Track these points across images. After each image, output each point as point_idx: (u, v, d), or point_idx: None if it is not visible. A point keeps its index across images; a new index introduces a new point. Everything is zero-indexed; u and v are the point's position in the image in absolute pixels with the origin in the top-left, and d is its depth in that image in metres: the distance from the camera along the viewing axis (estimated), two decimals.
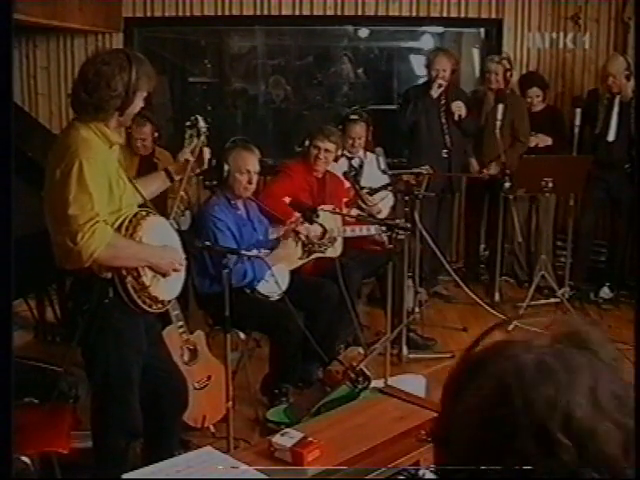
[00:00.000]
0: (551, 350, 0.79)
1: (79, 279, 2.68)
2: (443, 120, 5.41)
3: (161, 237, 2.78)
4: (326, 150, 4.42)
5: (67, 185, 2.49)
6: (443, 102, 5.41)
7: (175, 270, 2.78)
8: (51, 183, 2.57)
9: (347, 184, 4.73)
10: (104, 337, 2.70)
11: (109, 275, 2.63)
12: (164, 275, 2.74)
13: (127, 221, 2.64)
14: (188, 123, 3.17)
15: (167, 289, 2.80)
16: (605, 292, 5.55)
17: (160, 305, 2.79)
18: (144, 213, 2.72)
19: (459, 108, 5.35)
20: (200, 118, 3.16)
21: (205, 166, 3.12)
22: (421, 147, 5.42)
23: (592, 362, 0.78)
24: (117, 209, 2.63)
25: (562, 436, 0.72)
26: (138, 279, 2.66)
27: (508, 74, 5.59)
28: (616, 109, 5.34)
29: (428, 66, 5.40)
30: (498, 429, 0.75)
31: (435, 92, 5.27)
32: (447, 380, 0.84)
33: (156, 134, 4.91)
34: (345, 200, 4.69)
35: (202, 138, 3.12)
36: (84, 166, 2.49)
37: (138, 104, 2.67)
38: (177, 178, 3.03)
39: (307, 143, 4.44)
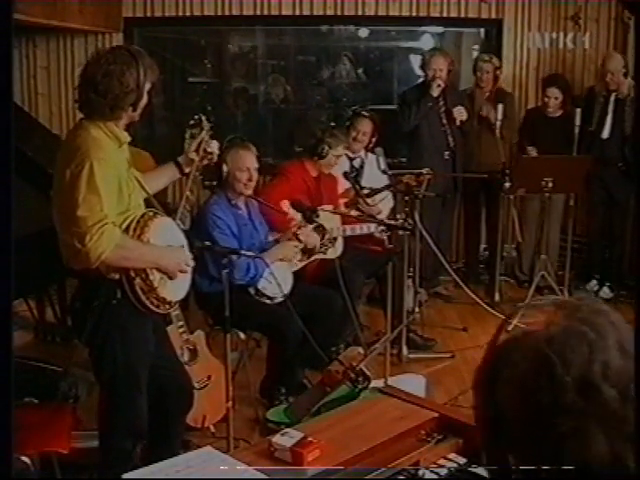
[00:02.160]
0: (575, 318, 0.86)
1: (86, 279, 2.68)
2: (444, 121, 5.40)
3: (168, 238, 2.78)
4: (342, 154, 4.56)
5: (77, 186, 2.49)
6: (442, 103, 5.41)
7: (182, 271, 2.78)
8: (60, 184, 2.57)
9: (342, 182, 4.74)
10: (112, 338, 2.70)
11: (116, 276, 2.63)
12: (171, 277, 2.74)
13: (135, 222, 2.63)
14: (192, 122, 3.18)
15: (174, 290, 2.80)
16: (605, 292, 5.55)
17: (167, 306, 2.79)
18: (151, 214, 2.72)
19: (461, 114, 5.37)
20: (204, 118, 3.16)
21: (215, 158, 3.11)
22: (423, 149, 5.41)
23: (611, 320, 0.89)
24: (125, 209, 2.62)
25: (605, 385, 0.81)
26: (146, 280, 2.65)
27: (497, 72, 5.66)
28: (611, 107, 5.36)
29: (424, 66, 5.40)
30: (545, 394, 0.82)
31: (435, 91, 5.28)
32: (478, 371, 0.93)
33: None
34: (345, 201, 4.69)
35: (203, 133, 3.11)
36: (95, 167, 2.49)
37: (145, 97, 2.68)
38: (187, 170, 3.03)
39: (325, 149, 4.42)
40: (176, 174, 3.04)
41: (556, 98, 5.51)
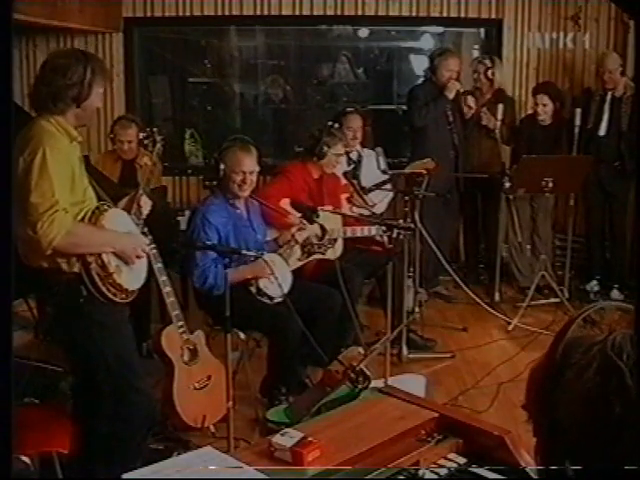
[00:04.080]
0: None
1: (50, 281, 2.69)
2: (451, 119, 5.40)
3: (124, 226, 2.84)
4: (343, 154, 4.53)
5: (29, 173, 2.54)
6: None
7: (139, 257, 2.82)
8: (14, 175, 2.58)
9: (344, 181, 4.74)
10: (92, 336, 2.74)
11: (75, 268, 2.65)
12: (127, 262, 2.78)
13: (90, 212, 2.69)
14: (143, 134, 3.38)
15: (131, 278, 2.83)
16: (615, 294, 5.53)
17: (124, 295, 2.80)
18: (106, 207, 2.77)
19: (470, 107, 5.46)
20: (155, 130, 3.36)
21: (144, 216, 3.09)
22: (430, 147, 5.35)
23: None
24: (80, 200, 2.68)
25: None
26: (102, 267, 2.69)
27: (489, 72, 5.64)
28: (608, 105, 5.39)
29: (435, 67, 5.35)
30: (613, 405, 0.79)
31: (452, 94, 5.27)
32: (536, 371, 0.88)
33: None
34: (346, 196, 4.69)
35: (158, 146, 3.31)
36: (47, 154, 2.55)
37: (96, 100, 2.75)
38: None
39: (324, 149, 4.39)
40: None
41: (544, 105, 5.47)
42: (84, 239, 2.64)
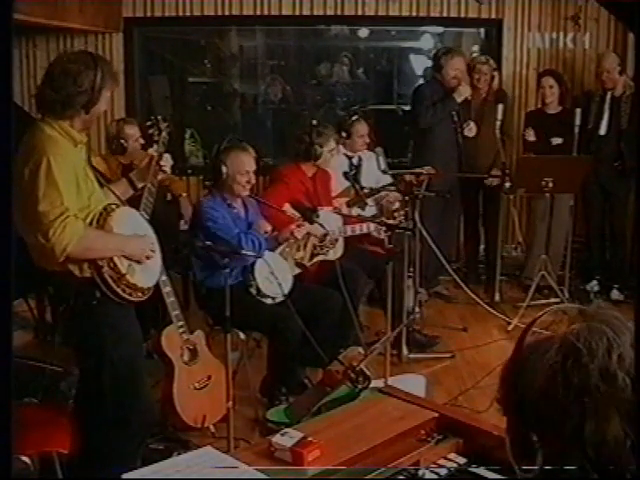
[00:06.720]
0: (596, 320, 1.04)
1: (63, 285, 2.69)
2: (455, 118, 5.41)
3: (132, 226, 2.83)
4: (336, 146, 4.55)
5: (36, 182, 2.52)
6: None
7: (148, 257, 2.82)
8: (20, 184, 2.57)
9: (339, 180, 4.73)
10: (103, 338, 2.73)
11: (88, 273, 2.65)
12: (139, 262, 2.78)
13: (97, 214, 2.68)
14: (149, 123, 3.32)
15: (145, 277, 2.83)
16: (615, 294, 5.52)
17: (140, 294, 2.81)
18: (113, 206, 2.76)
19: (470, 130, 5.48)
20: (160, 118, 3.32)
21: (168, 172, 3.17)
22: (435, 146, 5.36)
23: (624, 323, 1.07)
24: (86, 205, 2.66)
25: (621, 373, 0.97)
26: (114, 268, 2.68)
27: (494, 73, 5.63)
28: (608, 104, 5.40)
29: (440, 67, 5.35)
30: (572, 377, 0.96)
31: (461, 98, 5.29)
32: (505, 366, 1.07)
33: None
34: (347, 200, 4.69)
35: (164, 134, 3.26)
36: (52, 162, 2.53)
37: (103, 104, 2.73)
38: (140, 186, 3.06)
39: (319, 150, 4.42)
40: (129, 190, 3.05)
41: (551, 87, 5.49)
42: (96, 243, 2.63)
